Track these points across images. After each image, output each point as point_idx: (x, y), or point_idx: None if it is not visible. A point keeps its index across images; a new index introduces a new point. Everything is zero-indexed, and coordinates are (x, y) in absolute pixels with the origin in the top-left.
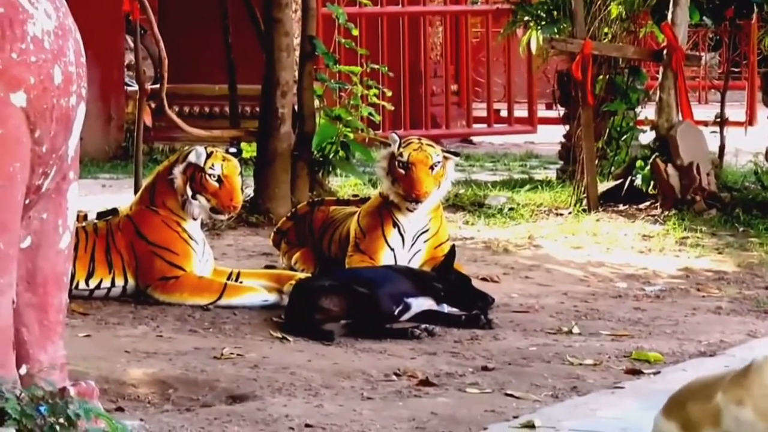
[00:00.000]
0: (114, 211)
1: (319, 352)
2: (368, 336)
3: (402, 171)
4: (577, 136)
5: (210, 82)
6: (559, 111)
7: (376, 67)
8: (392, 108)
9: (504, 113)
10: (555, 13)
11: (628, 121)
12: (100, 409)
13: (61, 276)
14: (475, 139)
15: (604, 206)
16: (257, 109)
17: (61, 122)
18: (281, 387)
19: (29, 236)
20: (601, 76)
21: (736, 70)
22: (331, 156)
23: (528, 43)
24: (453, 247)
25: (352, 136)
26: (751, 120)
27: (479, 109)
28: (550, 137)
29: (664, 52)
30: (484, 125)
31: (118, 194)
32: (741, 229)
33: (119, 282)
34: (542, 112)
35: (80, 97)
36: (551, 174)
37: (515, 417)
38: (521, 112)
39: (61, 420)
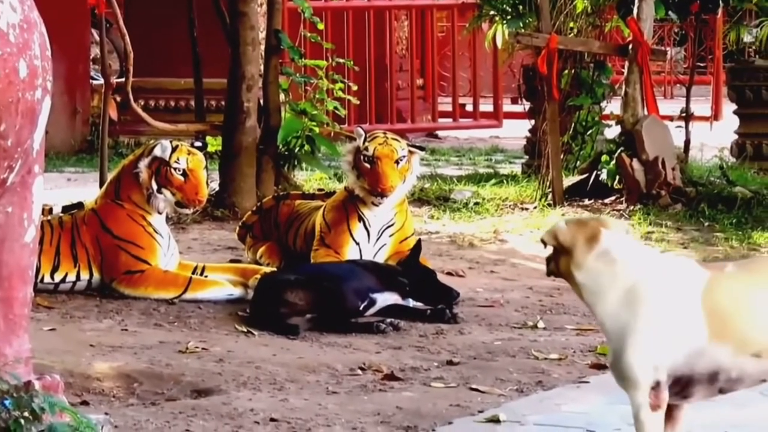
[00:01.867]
0: (79, 205)
1: (284, 346)
2: (333, 330)
3: (367, 165)
4: (543, 131)
5: (175, 75)
6: (524, 105)
7: (341, 61)
8: (358, 102)
9: (469, 107)
10: (520, 7)
11: (594, 115)
12: (65, 403)
13: (26, 270)
14: (440, 133)
15: (569, 201)
16: (223, 103)
17: (27, 116)
18: (246, 381)
19: None
20: (566, 71)
21: (702, 65)
22: (296, 150)
23: (493, 38)
24: (419, 241)
25: (317, 130)
26: (716, 115)
27: (445, 104)
28: (515, 132)
29: (630, 46)
30: (450, 119)
31: (84, 188)
32: (706, 223)
33: (84, 276)
34: (508, 106)
35: (45, 91)
36: (517, 168)
37: (480, 411)
38: (487, 106)
39: (26, 414)
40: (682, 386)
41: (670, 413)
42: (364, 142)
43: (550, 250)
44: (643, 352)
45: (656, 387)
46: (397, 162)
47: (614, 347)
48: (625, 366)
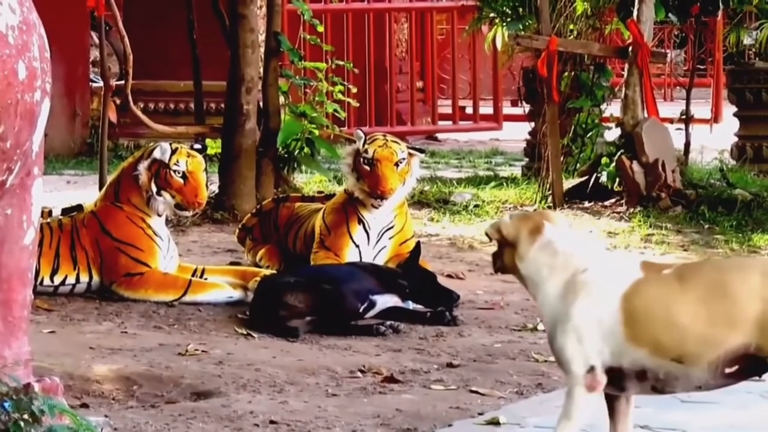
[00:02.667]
0: (78, 208)
1: (284, 348)
2: (333, 333)
3: (367, 168)
4: (543, 133)
5: (175, 78)
6: (524, 108)
7: (341, 63)
8: (357, 105)
9: (469, 110)
10: (520, 9)
11: (594, 118)
12: (65, 405)
13: (26, 272)
14: (440, 135)
15: (569, 203)
16: (222, 105)
17: (26, 118)
18: (246, 383)
19: None
20: (566, 73)
21: (702, 67)
22: (296, 152)
23: (493, 40)
24: (418, 243)
25: (317, 132)
26: (716, 117)
27: (444, 106)
28: (515, 134)
29: (630, 49)
30: (450, 122)
31: (83, 190)
32: (706, 226)
33: (84, 278)
34: (507, 109)
35: (45, 93)
36: (516, 171)
37: (480, 414)
38: (486, 109)
39: (26, 416)
40: (615, 377)
41: (613, 406)
42: (363, 145)
43: (495, 246)
44: (573, 339)
45: (591, 371)
46: (396, 164)
47: (549, 333)
48: (557, 350)
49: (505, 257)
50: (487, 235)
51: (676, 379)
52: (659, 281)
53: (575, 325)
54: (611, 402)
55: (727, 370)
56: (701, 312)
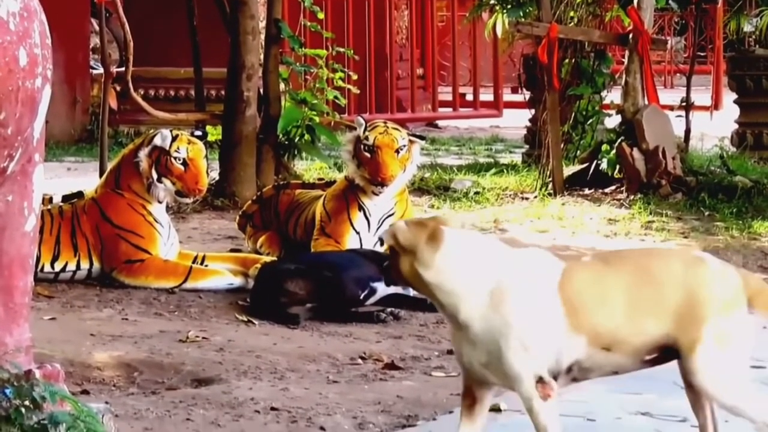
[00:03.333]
0: (79, 194)
1: (285, 335)
2: (334, 320)
3: (367, 154)
4: (543, 120)
5: (175, 65)
6: (524, 95)
7: (341, 50)
8: (358, 91)
9: (470, 97)
10: None
11: (594, 105)
12: (66, 392)
13: (27, 258)
14: (440, 122)
15: (569, 190)
16: (222, 92)
17: (27, 104)
18: (247, 370)
19: None
20: (566, 60)
21: (702, 54)
22: (296, 139)
23: (494, 27)
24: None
25: (317, 119)
26: (716, 104)
27: (445, 93)
28: (515, 121)
29: (630, 36)
30: (450, 109)
31: (84, 177)
32: (706, 213)
33: (84, 265)
34: (508, 95)
35: (46, 79)
36: (517, 158)
37: None
38: (487, 96)
39: (27, 403)
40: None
41: (474, 396)
42: (364, 132)
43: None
44: (521, 352)
45: (540, 381)
46: (397, 151)
47: (489, 349)
48: (506, 367)
49: (402, 265)
50: (380, 241)
51: (600, 368)
52: (587, 267)
53: (520, 333)
54: (472, 392)
55: (647, 357)
56: (630, 297)
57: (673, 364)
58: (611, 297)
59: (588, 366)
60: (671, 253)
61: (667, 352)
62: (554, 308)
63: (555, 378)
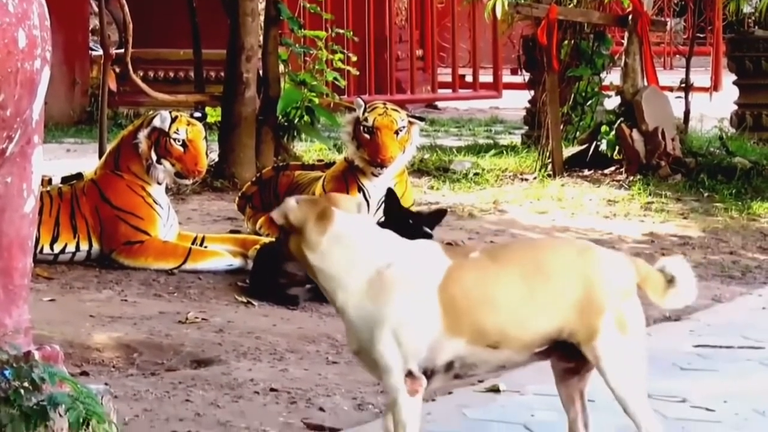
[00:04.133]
0: (78, 176)
1: (284, 316)
2: None
3: (367, 136)
4: (542, 102)
5: (175, 46)
6: (524, 76)
7: (341, 32)
8: (357, 73)
9: (469, 78)
10: None
11: (593, 86)
12: (65, 373)
13: (26, 240)
14: (440, 104)
15: (569, 171)
16: (222, 73)
17: (26, 86)
18: (246, 351)
19: None
20: (566, 42)
21: (701, 35)
22: (295, 121)
23: (493, 9)
24: (444, 210)
25: (316, 100)
26: (716, 85)
27: (444, 75)
28: (515, 102)
29: (630, 17)
30: (449, 90)
31: (83, 158)
32: (706, 194)
33: (84, 246)
34: (507, 77)
35: (45, 61)
36: (516, 139)
37: (480, 381)
38: (486, 77)
39: (26, 384)
40: (425, 374)
41: None
42: (363, 113)
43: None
44: (393, 345)
45: (410, 375)
46: (396, 132)
47: (360, 337)
48: (376, 357)
49: (291, 244)
50: (271, 219)
51: (485, 363)
52: (473, 265)
53: (394, 326)
54: None
55: (537, 350)
56: (520, 293)
57: (672, 345)
58: (497, 295)
59: (472, 362)
60: (562, 243)
61: (559, 343)
62: (432, 308)
63: (429, 374)
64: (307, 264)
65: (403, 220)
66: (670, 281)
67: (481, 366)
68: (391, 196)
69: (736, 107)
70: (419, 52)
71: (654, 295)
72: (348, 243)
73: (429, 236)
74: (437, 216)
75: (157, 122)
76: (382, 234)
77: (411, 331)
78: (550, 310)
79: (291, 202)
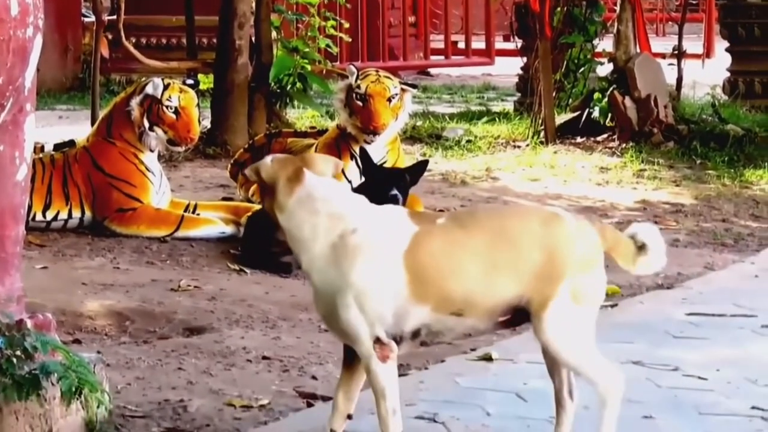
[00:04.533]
0: (71, 143)
1: (277, 284)
2: None
3: (360, 103)
4: (535, 69)
5: (167, 13)
6: (516, 43)
7: None
8: (349, 40)
9: (462, 45)
10: None
11: (586, 53)
12: (58, 341)
13: (18, 208)
14: (432, 70)
15: (561, 138)
16: (215, 40)
17: (18, 54)
18: (238, 319)
19: None
20: (558, 9)
21: (694, 2)
22: (288, 88)
23: None
24: (425, 161)
25: (309, 67)
26: (708, 52)
27: (437, 41)
28: (507, 69)
29: None
30: (442, 57)
31: (75, 125)
32: (698, 161)
33: (76, 214)
34: (500, 43)
35: (37, 29)
36: (509, 106)
37: (473, 350)
38: (479, 44)
39: (18, 352)
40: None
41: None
42: (356, 80)
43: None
44: (357, 311)
45: (378, 341)
46: (389, 100)
47: (326, 301)
48: (342, 324)
49: (265, 203)
50: (244, 175)
51: (450, 331)
52: (439, 232)
53: (357, 293)
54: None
55: (500, 319)
56: (486, 259)
57: (665, 313)
58: (463, 262)
59: (438, 330)
60: (528, 211)
61: (520, 312)
62: (397, 274)
63: (397, 340)
64: (278, 224)
65: (381, 177)
66: (641, 248)
67: (447, 333)
68: (364, 155)
69: (728, 74)
70: (411, 19)
71: (624, 262)
72: (315, 206)
73: (395, 199)
74: (418, 168)
75: (149, 89)
76: (351, 198)
77: (375, 297)
78: (511, 277)
79: (266, 159)
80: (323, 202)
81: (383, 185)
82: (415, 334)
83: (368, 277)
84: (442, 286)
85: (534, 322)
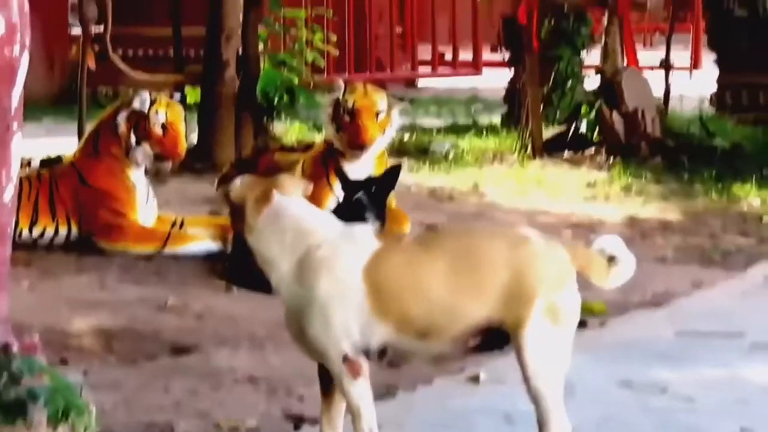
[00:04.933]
0: (58, 159)
1: (264, 302)
2: None
3: (347, 118)
4: (522, 82)
5: (155, 25)
6: (504, 55)
7: (320, 11)
8: (337, 53)
9: (449, 56)
10: None
11: (573, 66)
12: (44, 364)
13: (4, 228)
14: (420, 82)
15: (549, 152)
16: (202, 52)
17: (5, 73)
18: (225, 338)
19: None
20: (546, 21)
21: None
22: (275, 101)
23: None
24: (398, 166)
25: (296, 81)
26: (696, 63)
27: (424, 53)
28: (495, 81)
29: None
30: (429, 68)
31: (62, 138)
32: (686, 175)
33: (63, 230)
34: (487, 55)
35: (23, 47)
36: (496, 119)
37: (461, 370)
38: (466, 55)
39: (4, 376)
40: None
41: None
42: (343, 95)
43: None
44: (322, 326)
45: (346, 358)
46: (377, 115)
47: (294, 319)
48: (309, 340)
49: (234, 224)
50: (219, 199)
51: (419, 353)
52: (403, 250)
53: (321, 307)
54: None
55: (471, 343)
56: (449, 281)
57: (652, 332)
58: (423, 283)
59: (405, 350)
60: (495, 233)
61: (493, 337)
62: (357, 289)
63: (367, 357)
64: (248, 244)
65: (350, 186)
66: (611, 260)
67: (415, 355)
68: (339, 173)
69: (716, 87)
70: (399, 30)
71: (597, 278)
72: (282, 225)
73: (360, 203)
74: (390, 174)
75: (136, 104)
76: (318, 216)
77: (338, 311)
78: (476, 300)
79: (236, 180)
80: (290, 220)
81: (351, 193)
82: (382, 353)
83: (331, 291)
84: (403, 305)
85: (513, 343)
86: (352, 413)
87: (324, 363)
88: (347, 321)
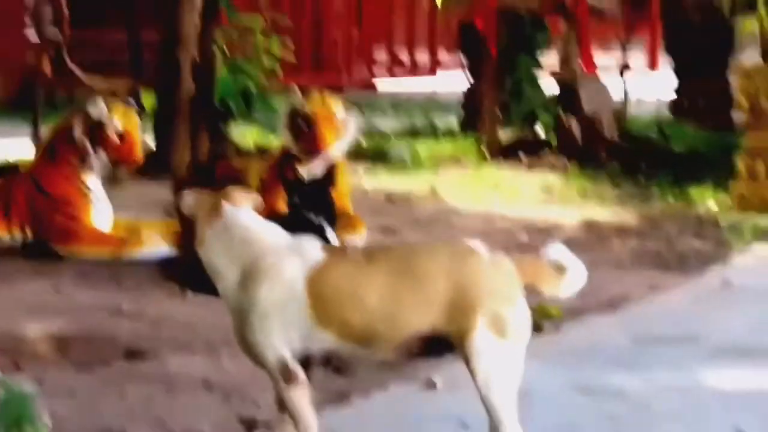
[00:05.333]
0: (14, 168)
1: (219, 307)
2: None
3: (304, 125)
4: (480, 87)
5: (112, 30)
6: (462, 60)
7: (276, 18)
8: (294, 60)
9: (406, 59)
10: None
11: (531, 71)
12: None
13: None
14: (377, 85)
15: (506, 157)
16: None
17: None
18: (181, 344)
19: None
20: (505, 28)
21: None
22: (232, 107)
23: None
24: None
25: (253, 86)
26: (653, 65)
27: (381, 56)
28: (452, 84)
29: (567, 3)
30: (386, 72)
31: (17, 143)
32: (643, 180)
33: (18, 237)
34: (445, 58)
35: None
36: (453, 122)
37: (417, 377)
38: (423, 57)
39: None
40: (303, 364)
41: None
42: (300, 103)
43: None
44: (261, 332)
45: (284, 365)
46: (334, 122)
47: (237, 325)
48: (250, 346)
49: (186, 237)
50: (166, 212)
51: (364, 359)
52: (346, 261)
53: (261, 314)
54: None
55: (414, 350)
56: (390, 292)
57: (607, 337)
58: (365, 294)
59: (349, 357)
60: (440, 246)
61: (435, 344)
62: (300, 298)
63: (307, 365)
64: (198, 256)
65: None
66: (560, 270)
67: (360, 361)
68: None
69: (673, 91)
70: (356, 34)
71: (548, 289)
72: (231, 236)
73: (295, 206)
74: (325, 179)
75: (92, 112)
76: (266, 227)
77: (277, 318)
78: (418, 311)
79: (187, 194)
80: (239, 231)
81: (291, 196)
82: (327, 360)
83: (272, 299)
84: (344, 314)
85: (460, 354)
86: (293, 418)
87: (263, 368)
88: (287, 328)
